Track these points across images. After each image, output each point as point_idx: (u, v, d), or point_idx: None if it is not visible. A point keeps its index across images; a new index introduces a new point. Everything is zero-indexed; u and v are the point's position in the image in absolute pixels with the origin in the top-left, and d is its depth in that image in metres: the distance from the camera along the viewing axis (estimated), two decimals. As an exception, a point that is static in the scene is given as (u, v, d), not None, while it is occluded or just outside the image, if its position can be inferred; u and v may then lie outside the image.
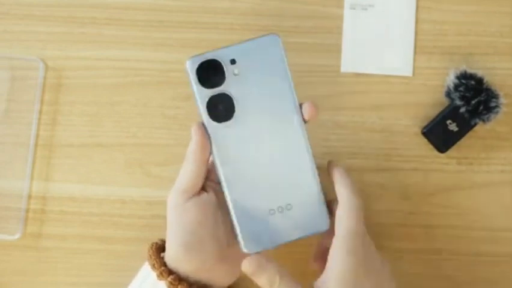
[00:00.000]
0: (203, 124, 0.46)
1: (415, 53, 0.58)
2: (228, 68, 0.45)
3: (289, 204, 0.46)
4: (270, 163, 0.46)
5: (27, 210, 0.57)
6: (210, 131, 0.46)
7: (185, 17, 0.59)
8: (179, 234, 0.45)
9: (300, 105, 0.46)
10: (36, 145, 0.57)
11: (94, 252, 0.56)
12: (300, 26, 0.58)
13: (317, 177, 0.46)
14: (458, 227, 0.56)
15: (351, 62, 0.58)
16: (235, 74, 0.45)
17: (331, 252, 0.44)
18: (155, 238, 0.56)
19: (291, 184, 0.46)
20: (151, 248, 0.48)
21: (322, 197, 0.46)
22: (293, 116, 0.46)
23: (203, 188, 0.47)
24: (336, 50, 0.58)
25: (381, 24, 0.58)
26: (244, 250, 0.46)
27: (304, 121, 0.46)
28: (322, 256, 0.47)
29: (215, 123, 0.45)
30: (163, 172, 0.57)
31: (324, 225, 0.47)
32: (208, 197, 0.46)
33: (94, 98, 0.58)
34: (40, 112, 0.58)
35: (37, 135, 0.57)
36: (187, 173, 0.46)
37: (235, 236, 0.46)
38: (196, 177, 0.46)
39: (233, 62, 0.45)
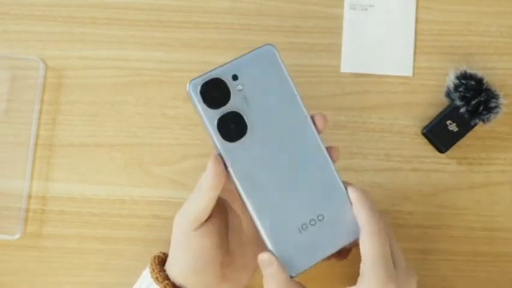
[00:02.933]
0: (218, 154, 0.43)
1: (415, 53, 0.58)
2: (231, 85, 0.43)
3: (320, 215, 0.44)
4: (292, 175, 0.44)
5: (27, 210, 0.57)
6: (224, 153, 0.43)
7: (185, 17, 0.59)
8: (186, 258, 0.45)
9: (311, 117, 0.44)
10: (36, 145, 0.57)
11: (94, 252, 0.56)
12: (300, 26, 0.58)
13: (341, 182, 0.45)
14: (458, 227, 0.56)
15: (351, 62, 0.58)
16: (239, 90, 0.43)
17: (361, 279, 0.43)
18: (155, 238, 0.56)
19: (317, 193, 0.44)
20: (154, 261, 0.47)
21: (349, 203, 0.44)
22: (305, 124, 0.44)
23: (212, 215, 0.45)
24: (336, 50, 0.58)
25: (381, 24, 0.58)
26: (291, 274, 0.43)
27: (318, 131, 0.44)
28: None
29: (229, 144, 0.43)
30: (163, 172, 0.57)
31: (357, 232, 0.44)
32: (215, 223, 0.45)
33: (94, 97, 0.58)
34: (40, 112, 0.58)
35: (37, 135, 0.57)
36: (198, 203, 0.44)
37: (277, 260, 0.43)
38: (206, 209, 0.44)
39: (235, 77, 0.43)
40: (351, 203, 0.44)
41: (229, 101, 0.43)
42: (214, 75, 0.43)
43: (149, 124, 0.58)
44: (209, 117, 0.43)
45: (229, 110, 0.43)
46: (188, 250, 0.45)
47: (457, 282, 0.56)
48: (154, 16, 0.59)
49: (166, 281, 0.45)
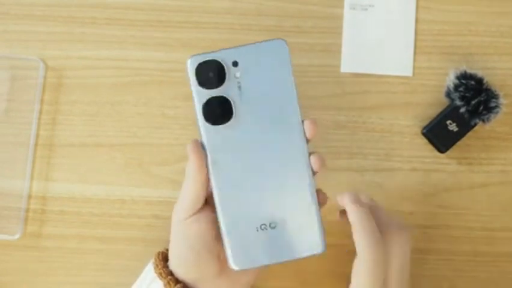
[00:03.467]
0: (197, 141, 0.44)
1: (415, 53, 0.58)
2: (229, 70, 0.43)
3: (283, 221, 0.43)
4: (265, 175, 0.43)
5: (27, 210, 0.57)
6: (203, 133, 0.44)
7: (186, 17, 0.59)
8: (179, 248, 0.46)
9: (302, 121, 0.44)
10: (36, 145, 0.57)
11: (94, 252, 0.56)
12: (300, 26, 0.58)
13: (315, 195, 0.44)
14: (458, 227, 0.57)
15: (351, 62, 0.58)
16: (236, 77, 0.43)
17: None
18: (155, 238, 0.56)
19: (286, 200, 0.43)
20: (158, 257, 0.48)
21: (319, 217, 0.43)
22: (295, 129, 0.43)
23: (207, 201, 0.46)
24: (336, 50, 0.58)
25: (381, 24, 0.58)
26: (232, 266, 0.43)
27: (306, 139, 0.44)
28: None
29: (209, 125, 0.43)
30: (163, 172, 0.57)
31: (319, 248, 0.43)
32: (209, 212, 0.46)
33: (94, 97, 0.58)
34: (40, 112, 0.58)
35: (37, 135, 0.57)
36: (187, 192, 0.45)
37: (224, 252, 0.44)
38: (196, 197, 0.45)
39: (235, 64, 0.43)
40: (320, 218, 0.44)
41: (222, 86, 0.43)
42: (214, 56, 0.43)
43: (149, 124, 0.58)
44: (198, 95, 0.44)
45: (219, 94, 0.43)
46: (184, 238, 0.45)
47: (457, 282, 0.56)
48: (154, 16, 0.59)
49: (169, 277, 0.45)
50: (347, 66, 0.58)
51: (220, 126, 0.43)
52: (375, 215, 0.45)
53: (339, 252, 0.53)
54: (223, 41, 0.58)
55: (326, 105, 0.58)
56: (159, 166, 0.57)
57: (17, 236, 0.56)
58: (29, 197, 0.57)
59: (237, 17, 0.58)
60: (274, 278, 0.56)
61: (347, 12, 0.58)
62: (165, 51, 0.58)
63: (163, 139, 0.57)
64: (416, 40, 0.58)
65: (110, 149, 0.57)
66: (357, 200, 0.44)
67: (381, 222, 0.45)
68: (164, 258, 0.48)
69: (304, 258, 0.44)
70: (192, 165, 0.44)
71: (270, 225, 0.43)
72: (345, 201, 0.44)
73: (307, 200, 0.44)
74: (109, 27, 0.58)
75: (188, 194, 0.45)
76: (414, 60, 0.58)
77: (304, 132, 0.44)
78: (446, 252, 0.56)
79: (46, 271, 0.56)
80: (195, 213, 0.45)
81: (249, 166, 0.43)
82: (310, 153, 0.44)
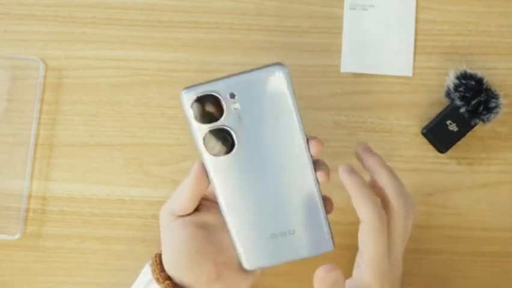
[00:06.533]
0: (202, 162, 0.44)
1: (415, 53, 0.58)
2: (227, 103, 0.42)
3: (292, 230, 0.44)
4: (273, 193, 0.44)
5: (27, 210, 0.57)
6: (207, 164, 0.43)
7: (185, 17, 0.59)
8: (168, 251, 0.46)
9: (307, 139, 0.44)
10: (36, 145, 0.57)
11: (94, 252, 0.56)
12: (300, 26, 0.58)
13: (322, 205, 0.44)
14: (458, 227, 0.56)
15: (351, 62, 0.58)
16: (235, 109, 0.42)
17: (357, 271, 0.44)
18: (155, 238, 0.56)
19: (294, 211, 0.44)
20: (155, 260, 0.47)
21: (326, 221, 0.45)
22: (300, 152, 0.43)
23: (197, 208, 0.47)
24: (336, 50, 0.58)
25: (381, 24, 0.58)
26: (246, 267, 0.45)
27: (312, 157, 0.44)
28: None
29: (212, 157, 0.43)
30: (163, 172, 0.57)
31: (328, 247, 0.45)
32: (198, 217, 0.46)
33: (94, 97, 0.58)
34: (40, 112, 0.58)
35: (37, 135, 0.57)
36: (180, 197, 0.46)
37: (236, 253, 0.45)
38: (185, 206, 0.46)
39: (232, 96, 0.41)
40: (328, 222, 0.45)
41: (221, 119, 0.42)
42: (210, 90, 0.41)
43: (149, 124, 0.58)
44: (197, 130, 0.42)
45: (219, 127, 0.42)
46: (168, 244, 0.46)
47: (457, 282, 0.56)
48: (154, 16, 0.59)
49: (167, 281, 0.45)
50: (347, 66, 0.58)
51: (224, 156, 0.43)
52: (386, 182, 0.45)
53: (339, 252, 0.53)
54: (223, 41, 0.58)
55: (326, 105, 0.58)
56: (159, 166, 0.57)
57: (17, 236, 0.56)
58: (29, 197, 0.57)
59: (237, 17, 0.58)
60: (274, 278, 0.56)
61: (346, 12, 0.58)
62: (165, 51, 0.58)
63: (163, 139, 0.57)
64: (416, 40, 0.58)
65: (110, 149, 0.57)
66: (351, 170, 0.44)
67: (389, 191, 0.45)
68: (161, 261, 0.47)
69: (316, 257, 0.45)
70: (191, 180, 0.44)
71: (280, 234, 0.44)
72: (340, 173, 0.44)
73: (315, 208, 0.44)
74: (109, 27, 0.59)
75: (180, 199, 0.46)
76: (414, 60, 0.58)
77: (309, 149, 0.43)
78: (446, 252, 0.56)
79: (46, 271, 0.56)
80: (180, 217, 0.46)
81: (256, 188, 0.44)
82: (315, 164, 0.44)
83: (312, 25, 0.58)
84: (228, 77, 0.42)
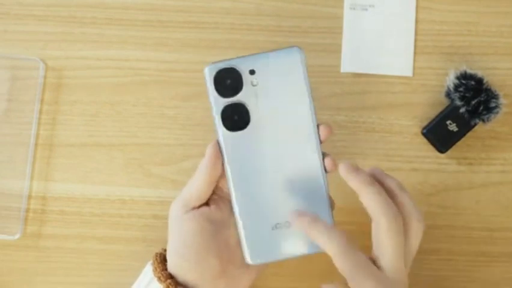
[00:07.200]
0: (217, 141, 0.45)
1: (415, 53, 0.58)
2: (246, 78, 0.45)
3: None
4: (281, 178, 0.45)
5: (27, 210, 0.57)
6: (222, 139, 0.45)
7: (185, 17, 0.59)
8: (176, 245, 0.46)
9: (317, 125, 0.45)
10: (36, 145, 0.57)
11: (94, 252, 0.56)
12: (300, 26, 0.58)
13: (328, 196, 0.45)
14: (458, 227, 0.57)
15: (351, 62, 0.58)
16: (253, 85, 0.45)
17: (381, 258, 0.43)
18: (155, 238, 0.56)
19: (300, 201, 0.45)
20: (156, 259, 0.47)
21: (331, 217, 0.45)
22: (310, 134, 0.45)
23: (207, 202, 0.47)
24: (336, 50, 0.58)
25: (381, 24, 0.58)
26: (249, 261, 0.45)
27: (320, 141, 0.45)
28: None
29: (227, 132, 0.45)
30: (163, 172, 0.57)
31: None
32: (209, 211, 0.46)
33: (94, 97, 0.58)
34: (40, 112, 0.58)
35: (37, 135, 0.57)
36: (194, 186, 0.46)
37: (241, 247, 0.45)
38: (200, 193, 0.46)
39: (252, 72, 0.45)
40: (332, 216, 0.45)
41: (240, 93, 0.45)
42: (232, 64, 0.45)
43: (149, 124, 0.58)
44: (216, 103, 0.45)
45: (236, 101, 0.45)
46: (176, 237, 0.46)
47: (457, 282, 0.56)
48: (154, 16, 0.59)
49: (169, 280, 0.45)
50: (347, 66, 0.58)
51: (238, 132, 0.45)
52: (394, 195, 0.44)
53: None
54: (223, 41, 0.58)
55: (326, 105, 0.58)
56: (159, 166, 0.57)
57: (17, 236, 0.56)
58: (29, 197, 0.57)
59: (237, 17, 0.58)
60: (274, 278, 0.56)
61: (346, 12, 0.58)
62: (165, 51, 0.58)
63: (163, 139, 0.57)
64: (416, 40, 0.58)
65: (110, 149, 0.57)
66: (353, 168, 0.44)
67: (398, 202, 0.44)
68: (162, 260, 0.47)
69: (317, 253, 0.45)
70: (206, 161, 0.45)
71: (284, 225, 0.45)
72: (341, 173, 0.44)
73: (322, 201, 0.45)
74: (109, 27, 0.59)
75: (194, 188, 0.46)
76: (414, 60, 0.58)
77: (319, 135, 0.45)
78: (446, 252, 0.56)
79: (46, 271, 0.56)
80: (193, 209, 0.46)
81: (265, 168, 0.45)
82: (323, 155, 0.45)
83: (312, 25, 0.58)
84: (248, 55, 0.45)
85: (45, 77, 0.58)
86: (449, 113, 0.56)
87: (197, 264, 0.45)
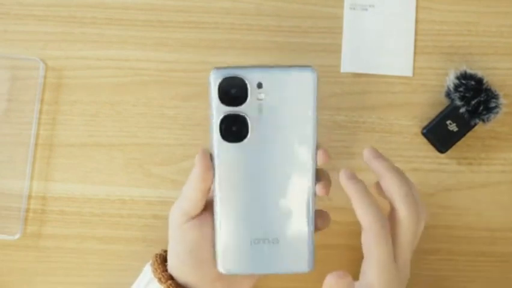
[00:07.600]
0: (207, 149, 0.44)
1: (415, 53, 0.58)
2: (252, 91, 0.42)
3: (275, 239, 0.44)
4: (269, 196, 0.44)
5: (27, 210, 0.57)
6: (215, 146, 0.43)
7: (185, 17, 0.59)
8: (177, 250, 0.46)
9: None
10: (36, 145, 0.57)
11: (94, 252, 0.56)
12: (300, 26, 0.58)
13: (312, 219, 0.44)
14: (458, 227, 0.56)
15: (351, 62, 0.58)
16: (258, 99, 0.42)
17: (364, 277, 0.43)
18: (155, 238, 0.56)
19: (283, 220, 0.44)
20: (156, 260, 0.47)
21: (312, 240, 0.44)
22: (308, 159, 0.43)
23: (206, 207, 0.46)
24: (336, 50, 0.58)
25: (381, 24, 0.58)
26: (220, 269, 0.44)
27: (316, 165, 0.44)
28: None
29: (223, 141, 0.43)
30: (163, 172, 0.57)
31: (306, 267, 0.44)
32: (209, 217, 0.46)
33: (94, 97, 0.58)
34: (40, 112, 0.58)
35: (37, 135, 0.57)
36: (187, 197, 0.45)
37: (213, 252, 0.45)
38: (195, 203, 0.45)
39: (260, 85, 0.42)
40: (313, 239, 0.44)
41: (243, 105, 0.42)
42: (240, 74, 0.42)
43: (149, 124, 0.58)
44: (217, 110, 0.43)
45: (238, 112, 0.43)
46: (182, 242, 0.46)
47: (457, 282, 0.56)
48: (154, 16, 0.59)
49: (170, 281, 0.45)
50: (347, 66, 0.58)
51: (234, 144, 0.43)
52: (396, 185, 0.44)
53: (340, 252, 0.53)
54: (223, 41, 0.58)
55: (326, 105, 0.58)
56: (159, 166, 0.57)
57: (17, 236, 0.56)
58: (29, 197, 0.57)
59: (237, 17, 0.58)
60: (274, 278, 0.56)
61: (346, 12, 0.58)
62: (165, 51, 0.58)
63: (163, 139, 0.57)
64: (416, 40, 0.58)
65: (110, 149, 0.57)
66: (352, 176, 0.44)
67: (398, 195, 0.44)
68: (162, 261, 0.47)
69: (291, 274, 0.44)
70: (195, 175, 0.44)
71: (263, 241, 0.44)
72: (341, 179, 0.44)
73: (305, 223, 0.44)
74: (109, 27, 0.58)
75: (188, 199, 0.45)
76: (414, 60, 0.58)
77: (316, 160, 0.44)
78: (447, 252, 0.56)
79: (46, 271, 0.56)
80: (193, 218, 0.45)
81: (254, 185, 0.43)
82: (318, 174, 0.44)
83: (312, 25, 0.58)
84: (258, 66, 0.42)
85: (45, 77, 0.58)
86: (449, 113, 0.56)
87: (197, 268, 0.45)
